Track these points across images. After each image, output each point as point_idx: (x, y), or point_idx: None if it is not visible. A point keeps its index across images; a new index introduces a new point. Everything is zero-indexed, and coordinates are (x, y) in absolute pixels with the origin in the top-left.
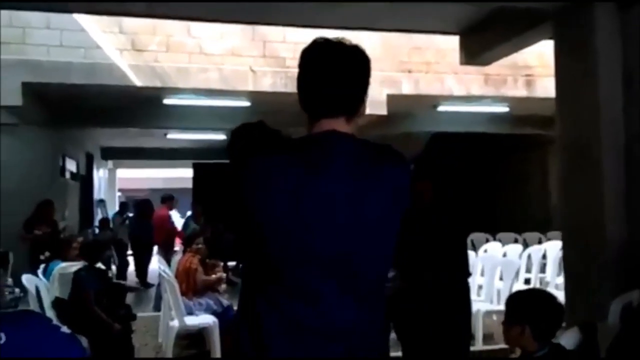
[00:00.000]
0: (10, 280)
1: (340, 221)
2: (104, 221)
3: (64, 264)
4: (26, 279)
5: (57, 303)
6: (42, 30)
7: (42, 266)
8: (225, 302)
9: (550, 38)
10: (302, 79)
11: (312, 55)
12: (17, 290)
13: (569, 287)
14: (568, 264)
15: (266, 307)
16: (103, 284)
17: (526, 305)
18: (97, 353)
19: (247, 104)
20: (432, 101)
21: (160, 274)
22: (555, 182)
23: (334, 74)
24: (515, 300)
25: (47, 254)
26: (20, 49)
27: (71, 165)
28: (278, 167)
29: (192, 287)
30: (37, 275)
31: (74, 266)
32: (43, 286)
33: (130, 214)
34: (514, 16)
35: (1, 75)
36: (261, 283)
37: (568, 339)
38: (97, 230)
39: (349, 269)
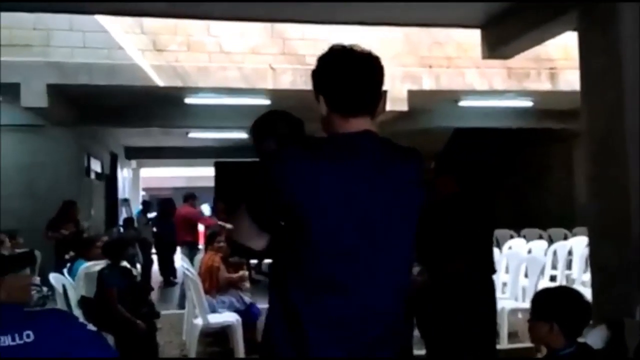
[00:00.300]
0: (37, 279)
1: (360, 215)
2: (129, 220)
3: (88, 263)
4: (53, 277)
5: (83, 302)
6: (65, 32)
7: (67, 265)
8: (247, 299)
9: (574, 30)
10: (325, 84)
11: (332, 62)
12: (44, 289)
13: (596, 284)
14: (595, 261)
15: (302, 299)
16: (127, 282)
17: (553, 303)
18: (122, 351)
19: (267, 101)
20: (454, 96)
21: (184, 272)
22: (581, 177)
23: (357, 80)
24: (542, 298)
25: (71, 253)
26: (45, 51)
27: (96, 165)
28: (304, 162)
29: (215, 285)
30: (63, 275)
31: (98, 265)
32: (69, 285)
33: (154, 213)
34: (537, 8)
35: (27, 77)
36: (294, 276)
37: (595, 336)
38: (121, 230)
39: (370, 261)
